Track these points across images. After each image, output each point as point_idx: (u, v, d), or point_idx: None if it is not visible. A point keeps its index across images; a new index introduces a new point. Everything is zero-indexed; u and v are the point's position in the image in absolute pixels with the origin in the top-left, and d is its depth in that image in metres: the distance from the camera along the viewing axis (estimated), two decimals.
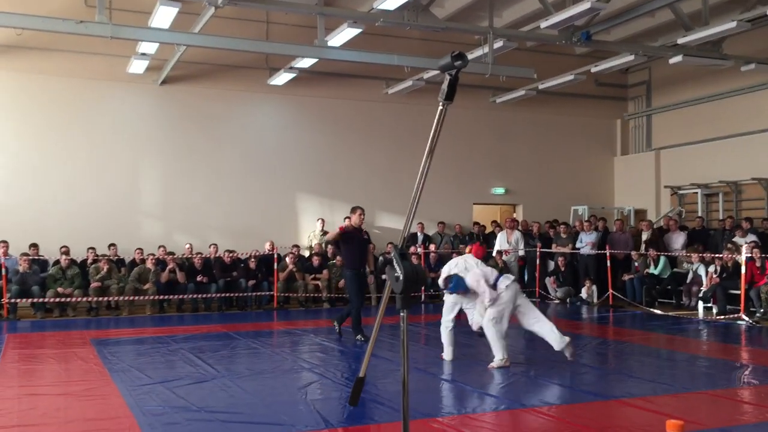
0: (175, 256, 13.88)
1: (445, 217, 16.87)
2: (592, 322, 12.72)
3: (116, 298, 13.10)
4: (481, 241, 16.36)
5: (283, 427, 5.46)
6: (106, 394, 6.62)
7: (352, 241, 10.01)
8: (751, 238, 13.71)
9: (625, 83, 19.89)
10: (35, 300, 12.53)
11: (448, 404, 6.46)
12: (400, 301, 2.67)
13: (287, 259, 14.37)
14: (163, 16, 11.21)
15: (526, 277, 16.28)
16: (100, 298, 13.02)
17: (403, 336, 2.75)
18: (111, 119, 14.95)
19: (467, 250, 8.79)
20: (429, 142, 2.63)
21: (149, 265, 13.43)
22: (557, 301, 15.13)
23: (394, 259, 2.65)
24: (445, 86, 2.54)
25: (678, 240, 14.86)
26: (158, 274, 13.38)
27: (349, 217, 11.09)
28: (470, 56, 13.77)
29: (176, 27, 11.85)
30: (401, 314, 2.73)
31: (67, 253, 13.24)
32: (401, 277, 2.63)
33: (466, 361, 8.44)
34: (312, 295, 14.31)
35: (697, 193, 17.14)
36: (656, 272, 14.29)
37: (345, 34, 12.32)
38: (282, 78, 15.17)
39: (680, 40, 13.02)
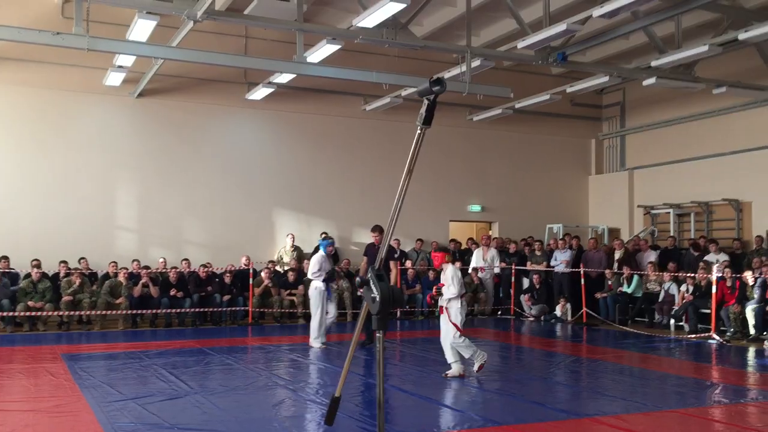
0: (149, 270, 13.75)
1: (421, 234, 16.92)
2: (566, 339, 12.80)
3: (88, 313, 12.93)
4: (457, 257, 16.44)
5: None
6: (76, 410, 6.53)
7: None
8: (724, 257, 13.92)
9: (600, 104, 20.17)
10: (5, 314, 12.32)
11: (423, 422, 6.46)
12: (376, 322, 2.68)
13: (263, 274, 14.30)
14: (141, 29, 11.17)
15: (501, 294, 16.36)
16: (72, 312, 12.84)
17: (379, 356, 2.77)
18: (86, 131, 14.82)
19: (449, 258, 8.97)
20: (407, 163, 2.66)
21: (121, 278, 13.28)
22: (532, 319, 15.22)
23: (371, 280, 2.66)
24: (423, 111, 2.57)
25: (649, 259, 15.05)
26: (131, 288, 13.24)
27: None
28: (448, 74, 13.90)
29: (154, 40, 11.82)
30: (378, 334, 2.74)
31: (38, 266, 13.05)
32: (378, 298, 2.64)
33: (440, 378, 8.45)
34: (287, 310, 14.25)
35: (669, 212, 17.38)
36: (629, 290, 14.45)
37: (324, 50, 12.37)
38: (260, 93, 15.16)
39: (654, 63, 13.25)
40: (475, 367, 8.45)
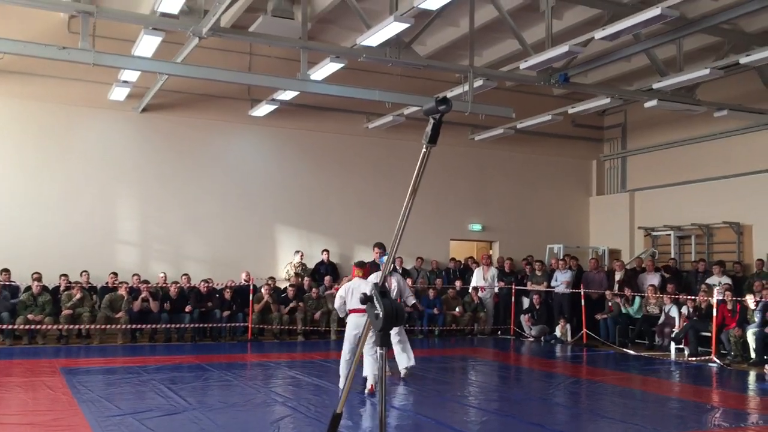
0: (149, 285, 13.73)
1: (422, 252, 16.92)
2: (565, 360, 12.76)
3: (87, 327, 12.89)
4: (458, 276, 16.45)
5: None
6: (73, 424, 6.51)
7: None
8: (725, 280, 13.91)
9: (602, 125, 20.24)
10: (5, 326, 12.29)
11: None
12: (379, 339, 2.69)
13: (263, 290, 14.29)
14: (147, 45, 11.26)
15: (500, 314, 16.33)
16: (71, 326, 12.81)
17: (382, 373, 2.77)
18: (89, 145, 14.87)
19: (359, 273, 9.00)
20: (412, 182, 2.68)
21: (122, 292, 13.26)
22: (532, 339, 15.17)
23: (375, 297, 2.67)
24: (428, 129, 2.60)
25: (651, 280, 15.02)
26: (131, 303, 13.21)
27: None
28: (450, 94, 13.97)
29: (159, 56, 11.90)
30: (380, 351, 2.75)
31: (39, 279, 13.04)
32: (381, 315, 2.65)
33: (439, 398, 8.43)
34: (287, 327, 14.22)
35: (670, 234, 17.39)
36: (632, 312, 14.40)
37: (327, 68, 12.45)
38: (263, 109, 15.24)
39: (655, 85, 13.32)
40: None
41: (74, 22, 13.53)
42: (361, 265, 9.08)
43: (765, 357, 11.59)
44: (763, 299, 12.13)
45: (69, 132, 14.73)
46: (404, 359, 9.42)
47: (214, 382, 9.22)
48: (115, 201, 15.04)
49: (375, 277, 8.78)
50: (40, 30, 13.15)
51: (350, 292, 8.67)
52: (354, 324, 8.60)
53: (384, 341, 2.68)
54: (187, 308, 13.55)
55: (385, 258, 9.14)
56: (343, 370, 8.65)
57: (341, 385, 8.70)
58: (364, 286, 8.56)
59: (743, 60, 11.86)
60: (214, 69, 12.57)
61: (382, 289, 2.67)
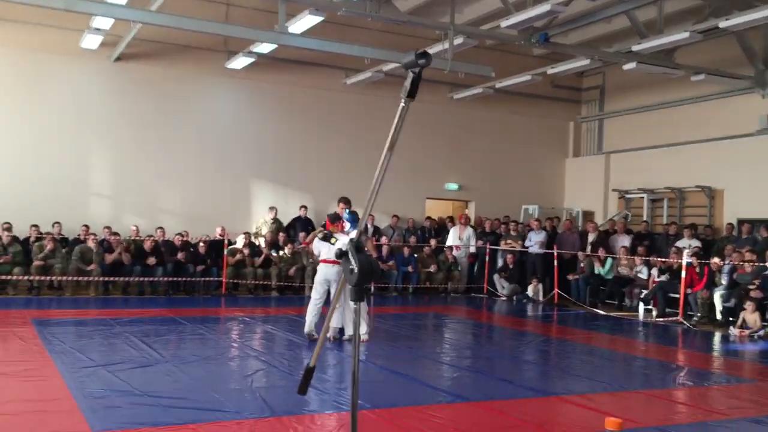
0: (118, 238, 13.58)
1: (397, 211, 16.92)
2: (536, 319, 12.96)
3: (59, 278, 12.78)
4: (433, 235, 16.53)
5: (228, 413, 5.44)
6: (45, 375, 6.49)
7: None
8: (695, 243, 14.13)
9: (580, 86, 20.24)
10: None
11: (393, 396, 6.51)
12: (354, 293, 2.69)
13: (239, 243, 14.24)
14: None
15: (475, 273, 16.48)
16: (42, 277, 12.69)
17: (355, 328, 2.79)
18: (61, 94, 14.54)
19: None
20: (389, 137, 2.65)
21: (90, 244, 13.09)
22: (504, 298, 15.36)
23: (350, 252, 2.67)
24: (407, 83, 2.56)
25: (623, 242, 15.22)
26: (101, 255, 13.09)
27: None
28: (430, 51, 13.72)
29: (134, 3, 11.59)
30: (354, 306, 2.75)
31: (9, 229, 12.85)
32: (356, 270, 2.65)
33: (411, 354, 8.53)
34: (261, 282, 14.23)
35: (643, 197, 17.58)
36: (603, 272, 14.62)
37: (306, 21, 12.24)
38: (240, 62, 14.98)
39: (635, 48, 13.32)
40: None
41: None
42: (335, 218, 9.14)
43: (730, 318, 11.87)
44: (730, 263, 12.37)
45: (40, 80, 14.38)
46: (342, 322, 9.08)
47: (188, 335, 9.23)
48: (88, 152, 14.80)
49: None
50: None
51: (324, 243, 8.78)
52: (322, 272, 8.94)
53: (359, 296, 2.68)
54: (151, 260, 13.36)
55: (347, 213, 9.21)
56: (309, 314, 8.88)
57: (306, 330, 8.89)
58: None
59: (723, 24, 11.87)
60: (190, 19, 12.28)
61: (357, 244, 2.67)
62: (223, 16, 14.96)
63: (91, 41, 13.57)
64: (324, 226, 9.62)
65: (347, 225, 9.15)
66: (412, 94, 2.57)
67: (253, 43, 13.85)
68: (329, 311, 3.31)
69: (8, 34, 13.98)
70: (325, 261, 8.91)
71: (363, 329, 8.91)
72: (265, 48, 13.88)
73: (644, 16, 13.74)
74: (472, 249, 16.18)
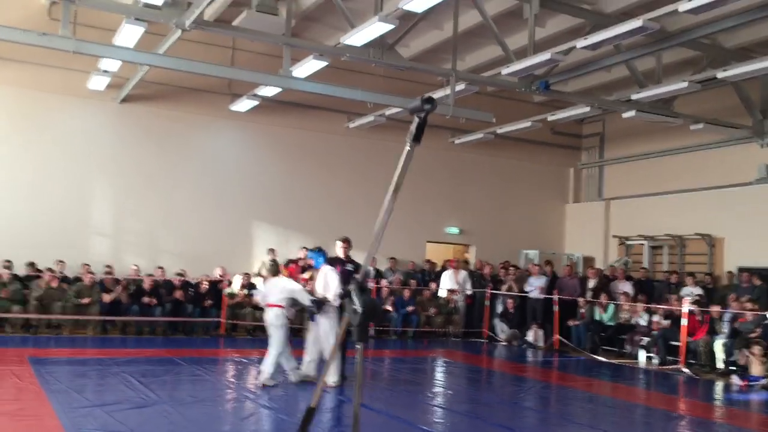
0: (113, 277, 13.58)
1: (397, 253, 16.91)
2: (536, 365, 12.85)
3: (58, 317, 12.71)
4: (433, 278, 16.51)
5: None
6: (40, 414, 6.43)
7: None
8: (698, 291, 14.09)
9: (580, 133, 20.43)
10: None
11: None
12: (357, 334, 2.70)
13: (235, 284, 14.21)
14: (128, 35, 11.12)
15: (473, 317, 16.38)
16: (41, 316, 12.61)
17: (358, 369, 2.78)
18: (67, 133, 14.68)
19: (285, 273, 9.23)
20: (394, 181, 2.69)
21: (87, 281, 13.05)
22: (504, 343, 15.25)
23: (353, 293, 2.68)
24: (413, 128, 2.61)
25: (624, 288, 15.15)
26: (98, 292, 13.05)
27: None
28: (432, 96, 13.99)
29: (141, 46, 11.78)
30: (357, 347, 2.76)
31: (9, 267, 12.85)
32: (359, 310, 2.66)
33: (410, 398, 8.45)
34: (260, 323, 14.11)
35: (643, 244, 17.59)
36: (606, 319, 14.51)
37: (310, 65, 12.42)
38: (244, 105, 15.16)
39: (634, 96, 13.49)
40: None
41: (55, 9, 13.35)
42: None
43: (731, 367, 11.77)
44: (730, 311, 12.32)
45: (46, 119, 14.54)
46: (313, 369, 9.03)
47: (185, 376, 9.15)
48: (91, 191, 14.87)
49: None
50: (20, 15, 12.94)
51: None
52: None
53: (362, 336, 2.69)
54: (149, 300, 13.28)
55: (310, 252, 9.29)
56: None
57: (292, 378, 8.81)
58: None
59: (720, 74, 12.04)
60: (196, 62, 12.46)
61: (361, 285, 2.69)
62: (228, 60, 15.19)
63: (98, 82, 13.77)
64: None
65: (313, 262, 9.30)
66: (417, 138, 2.62)
67: (258, 87, 14.04)
68: (329, 358, 3.29)
69: (16, 73, 14.18)
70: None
71: (331, 378, 8.61)
72: (269, 91, 14.05)
73: (643, 66, 13.96)
74: (468, 291, 16.14)
